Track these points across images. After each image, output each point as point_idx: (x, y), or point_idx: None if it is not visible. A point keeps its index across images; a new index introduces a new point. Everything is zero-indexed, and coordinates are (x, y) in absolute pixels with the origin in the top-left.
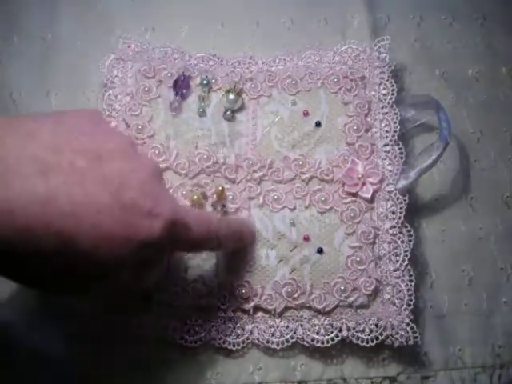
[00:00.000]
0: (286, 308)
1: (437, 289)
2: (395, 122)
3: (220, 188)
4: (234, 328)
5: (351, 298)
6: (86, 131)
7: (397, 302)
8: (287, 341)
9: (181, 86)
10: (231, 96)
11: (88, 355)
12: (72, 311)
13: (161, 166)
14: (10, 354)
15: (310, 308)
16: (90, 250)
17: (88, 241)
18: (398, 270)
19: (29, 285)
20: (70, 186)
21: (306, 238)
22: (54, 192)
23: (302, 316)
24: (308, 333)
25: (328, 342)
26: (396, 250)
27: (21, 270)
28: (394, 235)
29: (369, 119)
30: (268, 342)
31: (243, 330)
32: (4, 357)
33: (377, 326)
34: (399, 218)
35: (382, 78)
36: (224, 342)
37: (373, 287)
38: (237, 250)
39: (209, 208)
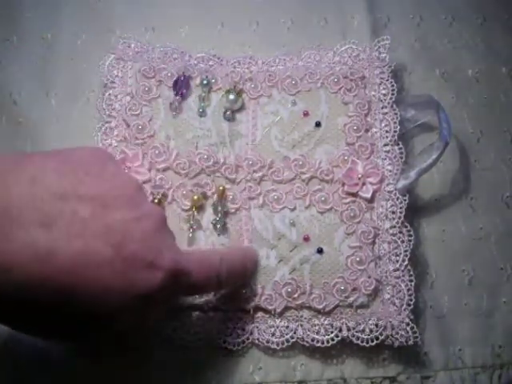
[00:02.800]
0: (286, 308)
1: (437, 289)
2: (395, 122)
3: (220, 188)
4: (234, 328)
5: (351, 298)
6: (93, 173)
7: (397, 301)
8: (287, 341)
9: (181, 86)
10: (231, 96)
11: (88, 355)
12: None
13: (161, 165)
14: (11, 354)
15: (309, 308)
16: (89, 303)
17: (87, 295)
18: (397, 269)
19: (26, 333)
20: (71, 239)
21: (306, 238)
22: (55, 245)
23: (301, 316)
24: (308, 333)
25: (328, 341)
26: (396, 250)
27: (16, 321)
28: (394, 235)
29: (369, 119)
30: (268, 342)
31: (243, 330)
32: (4, 357)
33: (377, 325)
34: (399, 217)
35: (381, 78)
36: (224, 342)
37: (373, 287)
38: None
39: (209, 208)
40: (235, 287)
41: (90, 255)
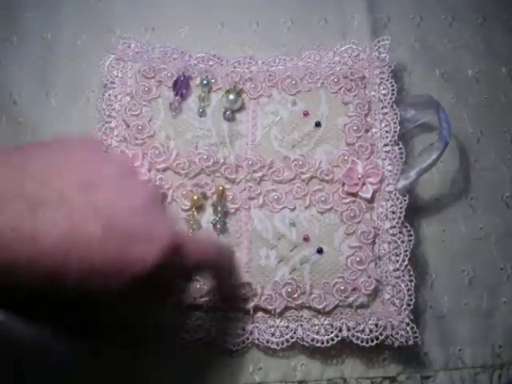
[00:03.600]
0: (286, 308)
1: (437, 289)
2: (395, 122)
3: (220, 188)
4: (234, 328)
5: (351, 298)
6: (82, 159)
7: (397, 301)
8: (287, 341)
9: (181, 86)
10: (231, 96)
11: (88, 355)
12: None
13: (161, 166)
14: (10, 354)
15: (309, 308)
16: (81, 284)
17: (78, 276)
18: (397, 269)
19: (21, 316)
20: (58, 221)
21: (306, 238)
22: (40, 228)
23: (301, 316)
24: (308, 333)
25: (328, 342)
26: (396, 250)
27: (7, 302)
28: (394, 235)
29: (369, 119)
30: (268, 341)
31: (243, 329)
32: (4, 356)
33: (377, 325)
34: (399, 217)
35: (381, 78)
36: (224, 342)
37: (372, 287)
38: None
39: (209, 208)
40: (234, 287)
41: (78, 236)
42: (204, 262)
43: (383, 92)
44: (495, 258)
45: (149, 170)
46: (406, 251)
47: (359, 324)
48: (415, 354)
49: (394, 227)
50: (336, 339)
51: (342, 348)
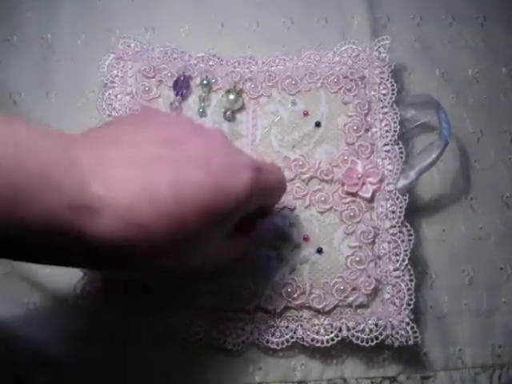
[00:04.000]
0: (286, 308)
1: (437, 289)
2: (395, 122)
3: None
4: (234, 328)
5: (351, 298)
6: (154, 125)
7: (397, 301)
8: (287, 341)
9: (181, 86)
10: (231, 96)
11: (88, 355)
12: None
13: None
14: (10, 354)
15: (309, 308)
16: (199, 228)
17: (195, 221)
18: (397, 269)
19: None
20: (162, 174)
21: (306, 238)
22: (148, 182)
23: (301, 316)
24: (308, 333)
25: (328, 341)
26: (396, 250)
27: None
28: (394, 235)
29: (369, 119)
30: (268, 341)
31: (243, 330)
32: (4, 356)
33: (377, 325)
34: (399, 217)
35: (381, 78)
36: (224, 342)
37: (372, 287)
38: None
39: None
40: (234, 287)
41: (184, 184)
42: (278, 185)
43: (383, 92)
44: (495, 257)
45: None
46: (405, 251)
47: (359, 324)
48: (415, 354)
49: (394, 227)
50: (336, 339)
51: (342, 348)
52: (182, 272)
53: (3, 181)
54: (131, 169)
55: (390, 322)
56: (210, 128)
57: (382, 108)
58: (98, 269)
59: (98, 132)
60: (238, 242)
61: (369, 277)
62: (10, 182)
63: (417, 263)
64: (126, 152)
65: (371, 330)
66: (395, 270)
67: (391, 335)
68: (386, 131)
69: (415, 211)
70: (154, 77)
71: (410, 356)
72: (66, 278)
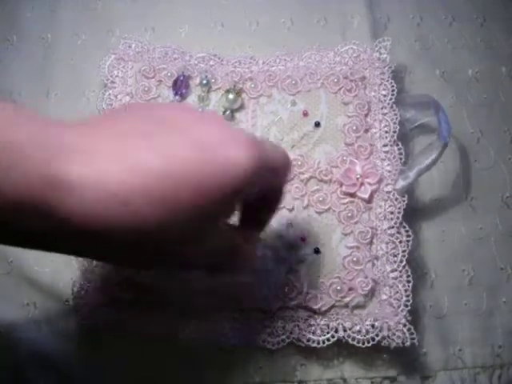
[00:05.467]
0: (282, 308)
1: (437, 289)
2: (395, 123)
3: None
4: (231, 328)
5: (347, 298)
6: (142, 114)
7: (394, 302)
8: (283, 341)
9: (180, 86)
10: (230, 96)
11: (88, 355)
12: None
13: None
14: (10, 354)
15: (306, 308)
16: (194, 211)
17: (189, 202)
18: (395, 270)
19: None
20: (151, 148)
21: (303, 239)
22: (139, 160)
23: (298, 316)
24: (304, 333)
25: (324, 342)
26: (394, 251)
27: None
28: (392, 235)
29: (368, 120)
30: (264, 341)
31: (240, 330)
32: (4, 357)
33: (373, 326)
34: (397, 218)
35: (382, 79)
36: (221, 342)
37: (369, 287)
38: None
39: None
40: (231, 288)
41: (173, 157)
42: (281, 162)
43: (383, 92)
44: (495, 258)
45: None
46: (403, 251)
47: (355, 325)
48: (415, 354)
49: (392, 227)
50: (332, 340)
51: (342, 348)
52: (175, 263)
53: None
54: (116, 143)
55: (387, 323)
56: (207, 111)
57: (382, 109)
58: (86, 255)
59: (86, 119)
60: (246, 249)
61: (366, 277)
62: None
63: (416, 263)
64: (111, 128)
65: (367, 331)
66: (393, 270)
67: (388, 336)
68: (386, 132)
69: (415, 211)
70: (153, 77)
71: (410, 356)
72: (65, 278)
